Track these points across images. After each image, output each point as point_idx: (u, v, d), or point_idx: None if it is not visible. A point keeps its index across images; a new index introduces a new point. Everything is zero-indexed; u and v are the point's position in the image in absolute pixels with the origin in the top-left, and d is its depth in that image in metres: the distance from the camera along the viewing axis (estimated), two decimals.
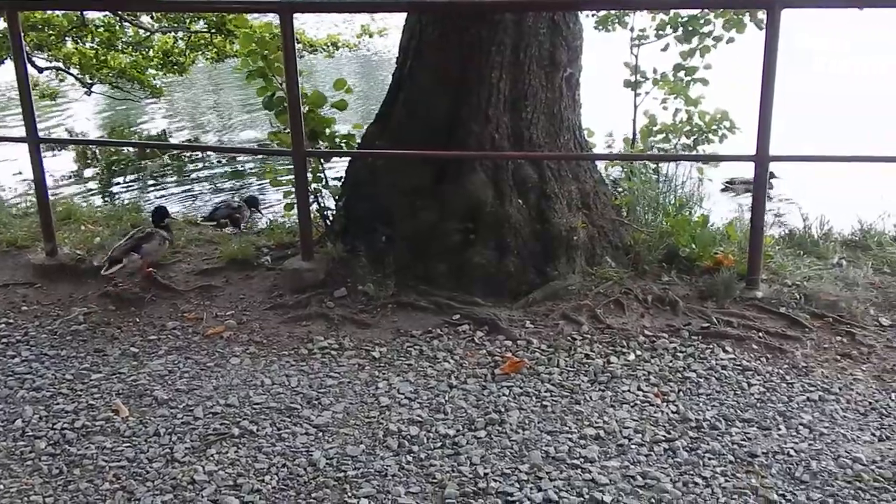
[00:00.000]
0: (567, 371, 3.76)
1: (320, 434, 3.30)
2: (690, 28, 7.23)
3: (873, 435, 3.30)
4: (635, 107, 7.94)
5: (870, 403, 3.52)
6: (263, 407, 3.49)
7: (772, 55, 4.08)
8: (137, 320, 4.33)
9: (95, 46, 11.82)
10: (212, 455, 3.16)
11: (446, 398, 3.55)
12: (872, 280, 4.58)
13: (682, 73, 7.49)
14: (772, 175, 9.50)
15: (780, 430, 3.33)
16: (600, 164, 5.79)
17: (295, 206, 4.62)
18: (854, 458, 3.13)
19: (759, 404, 3.51)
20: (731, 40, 7.26)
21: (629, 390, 3.60)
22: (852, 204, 5.84)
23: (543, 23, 4.55)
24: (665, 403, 3.51)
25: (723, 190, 10.01)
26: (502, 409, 3.46)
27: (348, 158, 5.14)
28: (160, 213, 4.91)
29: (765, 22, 4.16)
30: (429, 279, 4.46)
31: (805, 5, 4.55)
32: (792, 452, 3.18)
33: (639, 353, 3.91)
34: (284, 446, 3.21)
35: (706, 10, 7.11)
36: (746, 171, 9.75)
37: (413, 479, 3.02)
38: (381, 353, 3.92)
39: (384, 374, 3.75)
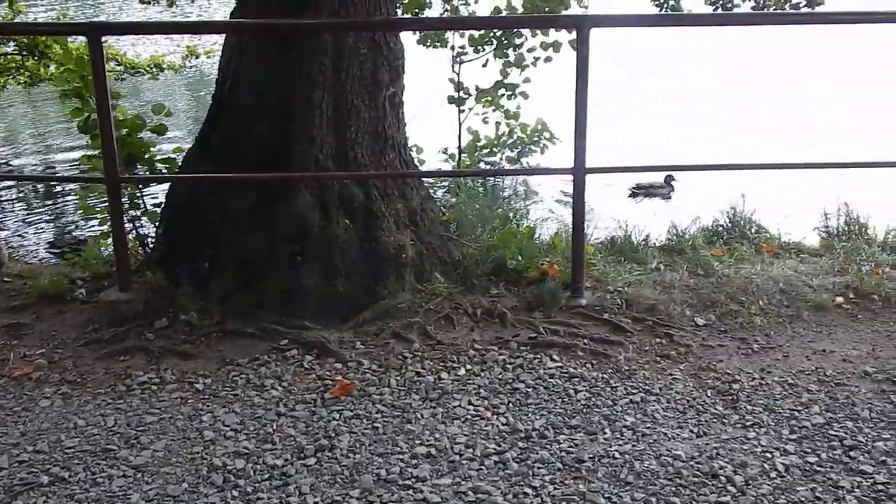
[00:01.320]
0: (398, 390, 3.73)
1: (139, 475, 3.12)
2: (506, 43, 7.41)
3: (691, 432, 3.43)
4: (459, 123, 8.07)
5: (688, 401, 3.66)
6: (77, 451, 3.27)
7: (583, 72, 4.22)
8: None
9: None
10: None
11: (274, 427, 3.44)
12: (688, 282, 4.79)
13: (502, 89, 7.66)
14: (672, 178, 10.06)
15: (605, 433, 3.41)
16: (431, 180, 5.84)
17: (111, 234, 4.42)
18: (674, 455, 3.24)
19: (585, 410, 3.58)
20: (548, 59, 7.50)
21: (460, 405, 3.61)
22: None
23: (364, 43, 4.54)
24: (495, 416, 3.53)
25: (630, 195, 10.42)
26: (332, 435, 3.38)
27: (169, 183, 4.96)
28: None
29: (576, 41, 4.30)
30: (256, 305, 4.33)
31: (613, 24, 4.73)
32: (617, 455, 3.26)
33: (469, 367, 3.93)
34: (100, 491, 3.02)
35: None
36: (650, 177, 10.36)
37: None
38: (205, 385, 3.76)
39: (208, 406, 3.60)
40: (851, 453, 3.26)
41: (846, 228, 5.79)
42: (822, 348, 4.13)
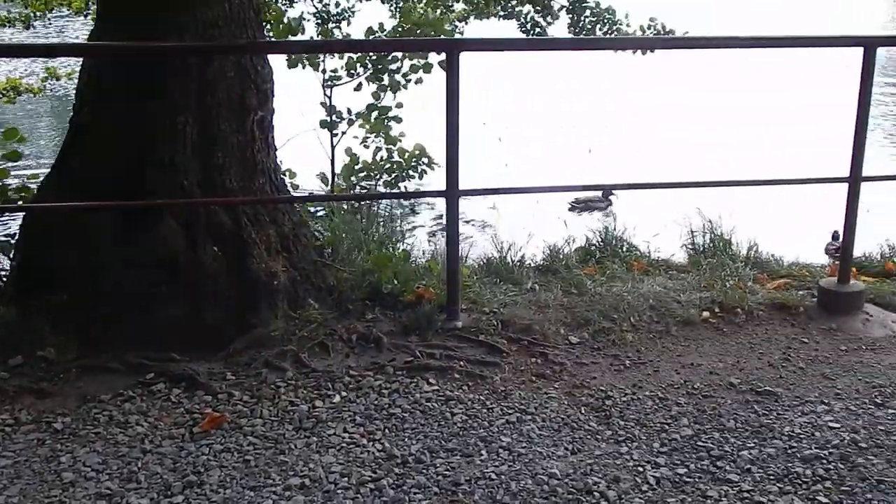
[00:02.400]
0: (271, 421, 3.63)
1: None
2: (380, 67, 7.41)
3: (566, 449, 3.46)
4: (333, 147, 8.01)
5: (562, 419, 3.69)
6: None
7: (453, 94, 4.24)
8: None
9: None
10: None
11: (139, 465, 3.29)
12: (562, 301, 4.85)
13: (375, 112, 7.65)
14: (610, 193, 10.38)
15: (482, 455, 3.40)
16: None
17: None
18: (550, 473, 3.26)
19: (461, 432, 3.57)
20: (419, 80, 7.54)
21: (335, 433, 3.54)
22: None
23: (230, 66, 4.43)
24: (371, 443, 3.47)
25: (570, 209, 10.65)
26: (202, 470, 3.26)
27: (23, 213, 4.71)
28: None
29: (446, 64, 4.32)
30: (120, 338, 4.15)
31: (482, 48, 4.78)
32: (493, 476, 3.25)
33: (344, 394, 3.86)
34: None
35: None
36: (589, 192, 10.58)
37: None
38: (64, 424, 3.56)
39: (68, 446, 3.41)
40: (718, 463, 3.35)
41: (711, 245, 5.99)
42: (691, 362, 4.24)
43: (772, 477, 3.26)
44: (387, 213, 6.13)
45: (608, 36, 10.18)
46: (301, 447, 3.43)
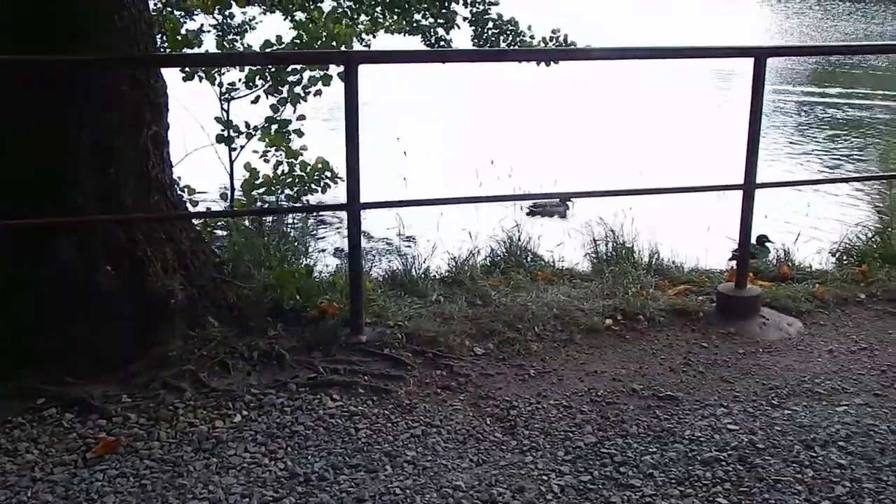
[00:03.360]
0: (169, 443, 3.51)
1: None
2: (279, 79, 7.32)
3: (471, 461, 3.45)
4: (231, 161, 7.87)
5: (468, 431, 3.68)
6: None
7: (352, 107, 4.21)
8: None
9: None
10: None
11: (29, 494, 3.15)
12: (467, 313, 4.84)
13: (275, 126, 7.55)
14: (567, 198, 10.60)
15: (386, 470, 3.36)
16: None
17: None
18: (455, 486, 3.24)
19: (366, 448, 3.52)
20: (318, 92, 7.48)
21: (236, 454, 3.45)
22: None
23: (123, 80, 4.30)
24: (273, 462, 3.40)
25: (528, 214, 10.76)
26: (95, 497, 3.14)
27: None
28: None
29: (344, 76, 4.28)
30: (11, 362, 3.97)
31: (380, 60, 4.76)
32: (398, 491, 3.22)
33: (245, 413, 3.77)
34: None
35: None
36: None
37: None
38: None
39: None
40: (621, 469, 3.39)
41: (614, 253, 6.09)
42: (594, 369, 4.29)
43: (673, 481, 3.31)
44: (292, 229, 6.03)
45: (511, 48, 10.30)
46: (200, 469, 3.34)
